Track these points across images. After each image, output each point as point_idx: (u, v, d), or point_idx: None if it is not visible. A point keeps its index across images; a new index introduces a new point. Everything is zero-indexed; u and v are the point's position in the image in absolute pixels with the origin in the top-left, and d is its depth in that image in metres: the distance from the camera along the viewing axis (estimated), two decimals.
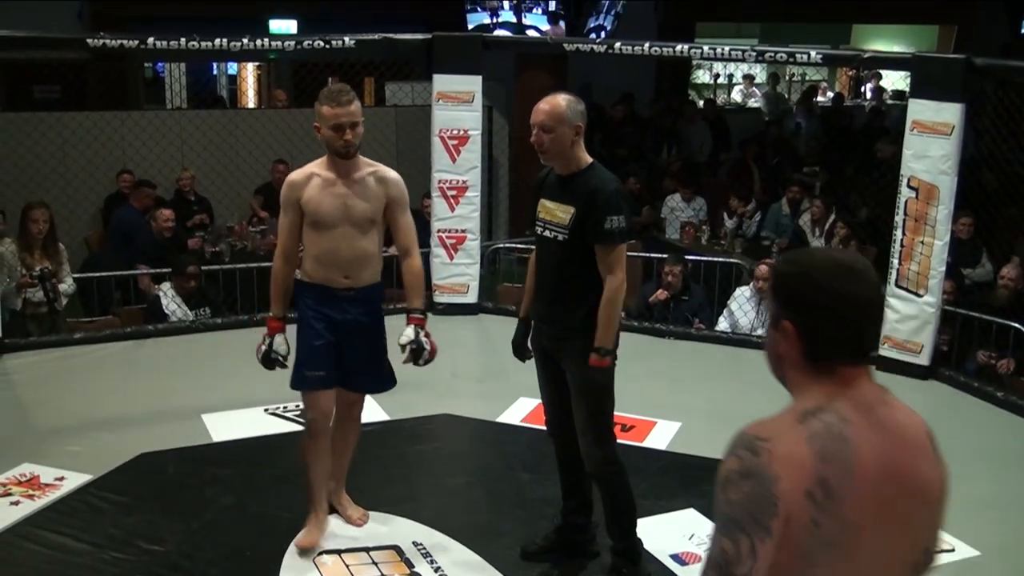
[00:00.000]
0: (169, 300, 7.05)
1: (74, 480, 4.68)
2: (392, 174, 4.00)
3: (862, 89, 17.26)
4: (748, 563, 1.66)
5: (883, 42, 17.40)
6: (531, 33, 11.36)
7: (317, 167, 3.93)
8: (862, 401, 1.76)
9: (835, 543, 1.68)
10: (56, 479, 4.69)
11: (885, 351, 6.48)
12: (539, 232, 3.81)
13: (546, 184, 3.83)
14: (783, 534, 1.66)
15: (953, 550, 4.34)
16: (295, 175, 3.95)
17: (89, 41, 6.47)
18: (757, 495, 1.68)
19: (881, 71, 16.12)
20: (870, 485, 1.69)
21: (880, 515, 1.70)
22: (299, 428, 5.34)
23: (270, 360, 4.00)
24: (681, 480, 4.85)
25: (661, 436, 5.35)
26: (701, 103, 14.83)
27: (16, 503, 4.46)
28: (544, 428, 4.08)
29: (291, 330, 4.02)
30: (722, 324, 7.26)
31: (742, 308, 7.24)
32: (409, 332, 3.92)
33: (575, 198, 3.67)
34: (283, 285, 3.98)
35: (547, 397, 3.98)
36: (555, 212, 3.73)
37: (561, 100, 3.69)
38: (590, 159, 3.75)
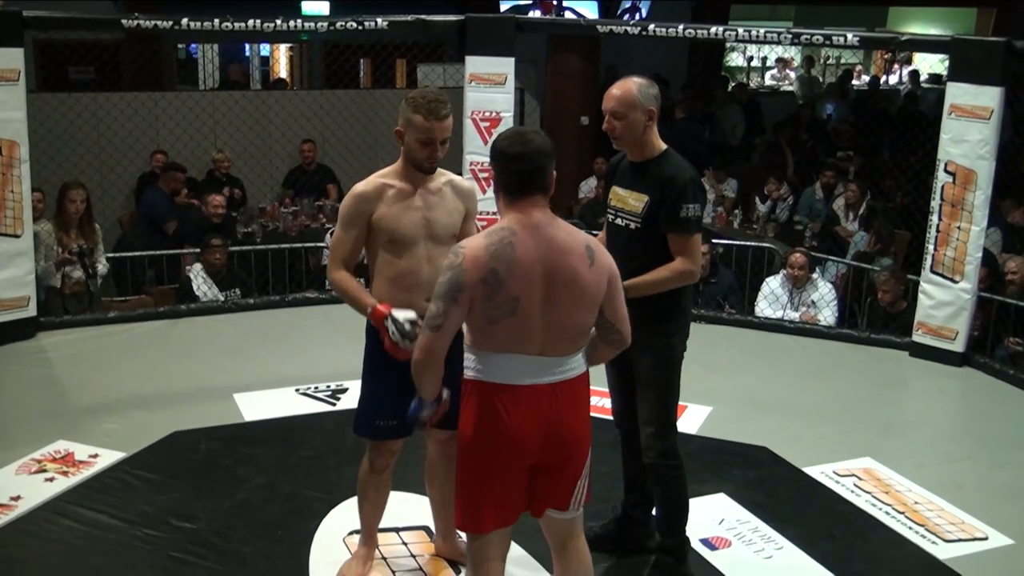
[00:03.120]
0: (200, 282, 7.09)
1: (108, 457, 4.73)
2: (467, 184, 3.66)
3: (891, 71, 17.04)
4: (441, 319, 2.86)
5: (919, 24, 17.19)
6: (568, 15, 11.31)
7: (388, 177, 3.48)
8: (530, 223, 2.87)
9: (505, 308, 2.83)
10: (90, 456, 4.74)
11: (919, 337, 6.43)
12: (610, 219, 3.72)
13: (619, 170, 3.75)
14: (472, 304, 2.83)
15: (987, 538, 4.31)
16: (363, 187, 3.46)
17: (124, 22, 6.49)
18: (452, 281, 2.83)
19: (912, 55, 15.94)
20: (525, 272, 2.82)
21: (532, 290, 2.84)
22: (330, 408, 5.40)
23: (409, 332, 3.28)
24: (711, 465, 4.84)
25: (692, 420, 5.33)
26: (732, 85, 14.73)
27: (51, 479, 4.51)
28: (611, 419, 4.01)
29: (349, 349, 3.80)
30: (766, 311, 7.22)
31: (773, 294, 7.20)
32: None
33: (649, 186, 3.58)
34: (355, 282, 3.48)
35: (614, 390, 3.93)
36: (627, 200, 3.65)
37: (632, 84, 3.58)
38: (664, 145, 3.64)
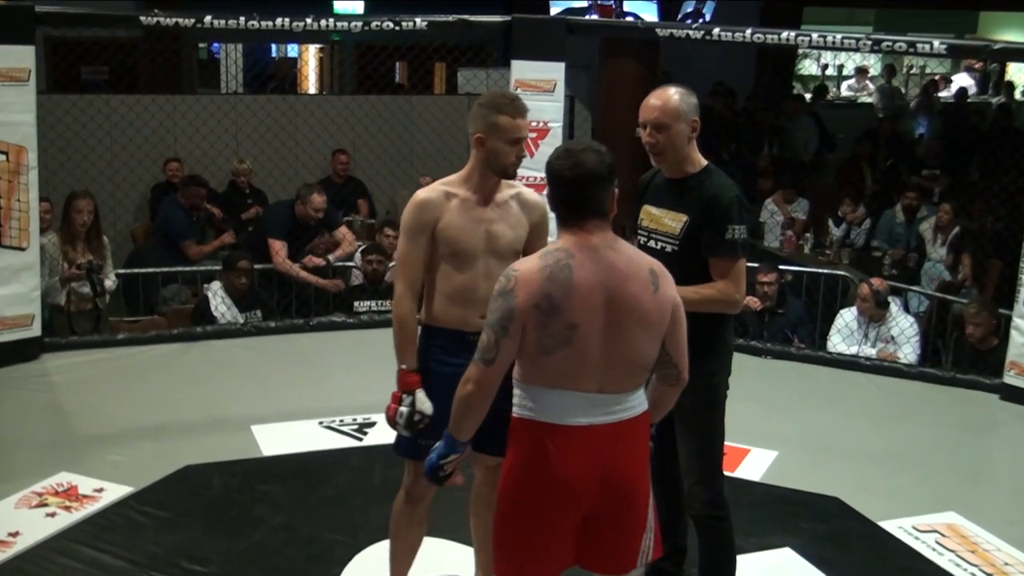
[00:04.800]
0: (219, 301, 7.14)
1: (114, 492, 4.76)
2: (536, 197, 3.70)
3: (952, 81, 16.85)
4: (494, 351, 2.85)
5: (1015, 31, 17.05)
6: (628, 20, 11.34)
7: (453, 186, 3.56)
8: (589, 245, 2.86)
9: (561, 338, 2.81)
10: (95, 490, 4.77)
11: (1011, 379, 6.34)
12: (641, 242, 3.68)
13: (651, 188, 3.74)
14: (524, 333, 2.82)
15: None
16: (427, 194, 3.55)
17: (142, 19, 6.59)
18: (503, 308, 2.83)
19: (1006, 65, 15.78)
20: (583, 297, 2.81)
21: (591, 317, 2.82)
22: (356, 443, 5.41)
23: (413, 424, 3.50)
24: (776, 516, 4.80)
25: (755, 465, 5.29)
26: (808, 96, 14.67)
27: (52, 515, 4.55)
28: None
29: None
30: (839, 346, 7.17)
31: (848, 327, 7.14)
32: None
33: (689, 205, 3.55)
34: (413, 330, 3.56)
35: None
36: (662, 220, 3.62)
37: (673, 93, 3.56)
38: (705, 161, 3.63)
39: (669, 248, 3.58)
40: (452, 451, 3.04)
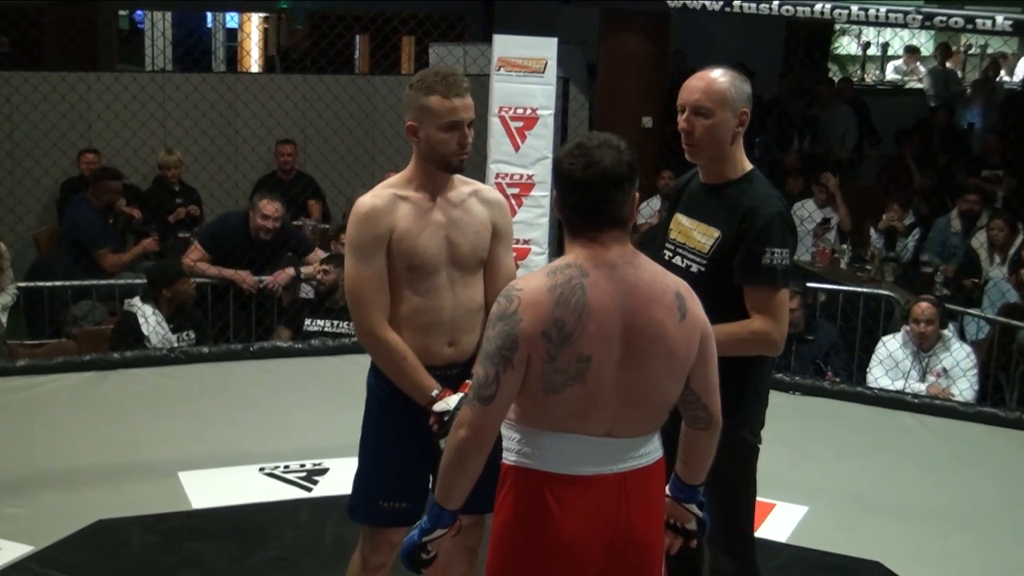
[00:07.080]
0: (146, 319, 7.05)
1: (11, 551, 4.73)
2: (496, 195, 3.73)
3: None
4: (493, 387, 2.76)
5: None
6: None
7: (398, 188, 3.55)
8: (605, 260, 2.81)
9: (571, 373, 2.75)
10: None
11: None
12: (667, 257, 3.65)
13: (685, 193, 3.70)
14: (528, 366, 2.75)
15: None
16: (372, 200, 3.51)
17: None
18: (505, 334, 2.75)
19: None
20: (600, 325, 2.75)
21: (606, 348, 2.77)
22: (304, 494, 5.40)
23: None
24: None
25: (782, 523, 5.30)
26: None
27: None
28: None
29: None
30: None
31: (892, 358, 7.15)
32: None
33: (723, 217, 3.50)
34: (411, 353, 3.48)
35: None
36: (691, 233, 3.58)
37: (721, 74, 3.51)
38: (749, 165, 3.58)
39: (695, 268, 3.54)
40: (438, 525, 2.93)
